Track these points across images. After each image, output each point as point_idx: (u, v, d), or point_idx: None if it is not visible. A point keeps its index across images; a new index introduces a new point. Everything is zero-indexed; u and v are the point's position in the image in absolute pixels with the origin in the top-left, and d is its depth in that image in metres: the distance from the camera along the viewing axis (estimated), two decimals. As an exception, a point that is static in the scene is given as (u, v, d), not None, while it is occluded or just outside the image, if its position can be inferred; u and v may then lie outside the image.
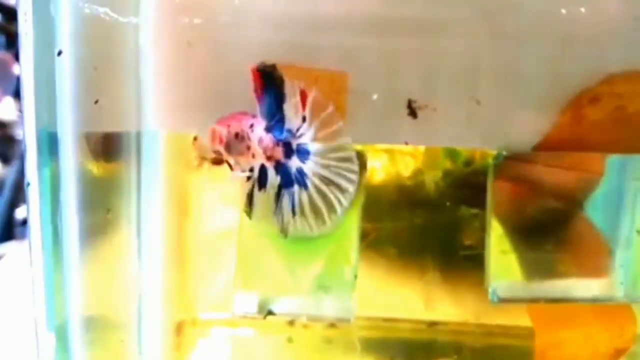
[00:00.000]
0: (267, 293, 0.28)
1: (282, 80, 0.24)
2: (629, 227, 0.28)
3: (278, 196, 0.25)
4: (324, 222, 0.25)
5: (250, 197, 0.25)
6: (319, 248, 0.28)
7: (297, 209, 0.24)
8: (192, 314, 0.32)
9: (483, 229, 0.27)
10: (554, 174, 0.28)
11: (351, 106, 0.26)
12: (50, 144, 0.23)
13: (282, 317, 0.29)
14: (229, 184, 0.25)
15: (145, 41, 0.24)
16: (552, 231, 0.29)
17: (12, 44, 1.45)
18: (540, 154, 0.26)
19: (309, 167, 0.24)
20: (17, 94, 1.45)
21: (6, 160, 1.41)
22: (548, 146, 0.26)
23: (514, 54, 0.26)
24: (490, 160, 0.27)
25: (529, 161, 0.27)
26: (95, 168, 0.24)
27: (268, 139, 0.24)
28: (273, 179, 0.24)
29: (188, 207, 0.30)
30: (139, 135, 0.26)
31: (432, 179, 0.28)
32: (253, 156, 0.24)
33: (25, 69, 0.22)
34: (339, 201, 0.24)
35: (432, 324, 0.29)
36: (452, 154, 0.29)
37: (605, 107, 0.26)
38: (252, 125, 0.24)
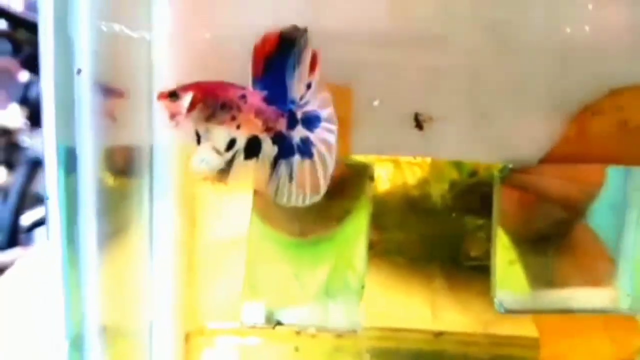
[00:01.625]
0: (275, 303, 0.29)
1: (305, 46, 0.23)
2: (633, 238, 0.28)
3: (273, 166, 0.24)
4: (317, 191, 0.24)
5: (228, 166, 0.24)
6: (326, 257, 0.28)
7: (295, 177, 0.24)
8: (200, 323, 0.32)
9: (489, 240, 0.27)
10: (558, 185, 0.28)
11: (358, 119, 0.26)
12: (68, 159, 0.23)
13: (290, 327, 0.29)
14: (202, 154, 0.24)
15: (157, 56, 0.25)
16: (556, 241, 0.29)
17: (17, 50, 1.46)
18: (545, 166, 0.27)
19: (318, 134, 0.24)
20: (22, 101, 1.46)
21: (11, 167, 1.41)
22: (554, 159, 0.26)
23: (518, 67, 0.26)
24: (496, 173, 0.27)
25: (534, 173, 0.27)
26: (111, 181, 0.24)
27: (270, 110, 0.24)
28: (269, 149, 0.24)
29: (197, 216, 0.30)
30: (151, 148, 0.26)
31: (438, 191, 0.29)
32: (238, 127, 0.23)
33: (46, 87, 0.22)
34: (331, 163, 0.24)
35: (439, 334, 0.30)
36: (457, 164, 0.29)
37: (609, 121, 0.26)
38: (243, 96, 0.23)
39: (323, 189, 0.24)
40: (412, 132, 0.26)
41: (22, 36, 1.47)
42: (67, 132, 0.23)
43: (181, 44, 0.25)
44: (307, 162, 0.24)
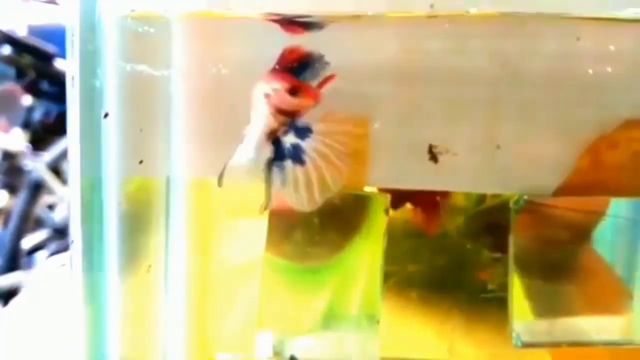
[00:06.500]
0: (289, 336, 0.28)
1: (315, 77, 0.24)
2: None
3: (269, 166, 0.25)
4: (313, 199, 0.24)
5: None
6: (340, 290, 0.28)
7: (287, 183, 0.24)
8: (210, 354, 0.31)
9: (505, 273, 0.27)
10: (570, 215, 0.28)
11: (373, 151, 0.26)
12: (94, 202, 0.23)
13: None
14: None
15: (176, 91, 0.25)
16: (566, 270, 0.29)
17: (21, 75, 1.48)
18: (560, 198, 0.27)
19: (310, 144, 0.24)
20: (25, 125, 1.47)
21: (13, 191, 1.42)
22: (568, 191, 0.26)
23: (532, 100, 0.26)
24: (511, 204, 0.27)
25: (548, 205, 0.27)
26: (131, 211, 0.24)
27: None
28: (267, 149, 0.24)
29: (209, 246, 0.30)
30: (167, 180, 0.26)
31: (453, 223, 0.29)
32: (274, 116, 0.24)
33: (72, 132, 0.22)
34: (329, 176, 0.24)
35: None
36: (467, 195, 0.29)
37: (623, 153, 0.26)
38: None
39: (319, 199, 0.24)
40: (427, 164, 0.26)
41: (26, 61, 1.49)
42: (93, 178, 0.23)
43: (199, 78, 0.25)
44: (299, 168, 0.24)
